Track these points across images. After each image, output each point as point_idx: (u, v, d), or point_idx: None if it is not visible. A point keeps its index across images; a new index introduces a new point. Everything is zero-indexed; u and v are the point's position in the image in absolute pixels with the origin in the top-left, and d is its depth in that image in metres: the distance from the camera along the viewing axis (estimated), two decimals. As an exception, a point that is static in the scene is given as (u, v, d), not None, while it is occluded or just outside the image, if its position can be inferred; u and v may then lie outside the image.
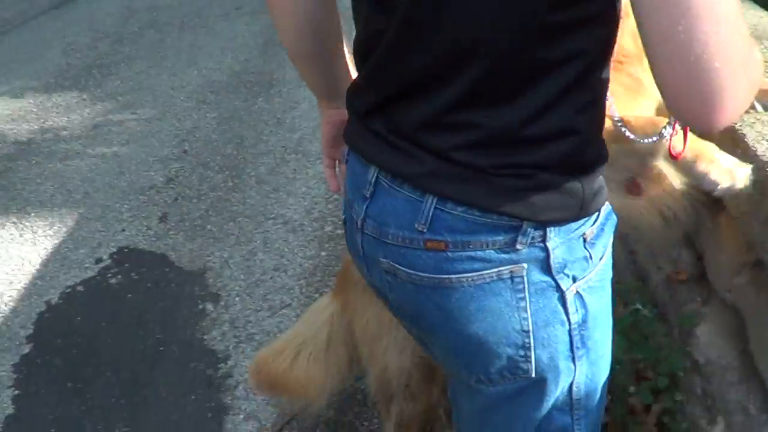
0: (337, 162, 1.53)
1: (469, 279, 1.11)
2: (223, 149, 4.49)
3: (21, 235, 3.83)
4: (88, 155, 4.57)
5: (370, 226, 1.19)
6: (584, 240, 1.13)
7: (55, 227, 3.87)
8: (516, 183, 1.05)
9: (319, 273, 3.33)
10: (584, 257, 1.14)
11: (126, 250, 3.65)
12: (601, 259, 1.17)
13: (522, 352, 1.16)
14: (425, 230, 1.10)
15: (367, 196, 1.18)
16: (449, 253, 1.10)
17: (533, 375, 1.19)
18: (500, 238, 1.08)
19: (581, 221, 1.11)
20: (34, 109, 5.33)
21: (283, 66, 5.42)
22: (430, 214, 1.09)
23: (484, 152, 1.05)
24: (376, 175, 1.17)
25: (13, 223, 3.95)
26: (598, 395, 1.30)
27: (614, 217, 1.20)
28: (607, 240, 1.19)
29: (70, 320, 3.24)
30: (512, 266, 1.10)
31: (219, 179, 4.18)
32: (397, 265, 1.16)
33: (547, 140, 1.04)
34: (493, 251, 1.09)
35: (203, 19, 6.91)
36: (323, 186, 3.95)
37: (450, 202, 1.08)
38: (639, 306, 2.30)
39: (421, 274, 1.13)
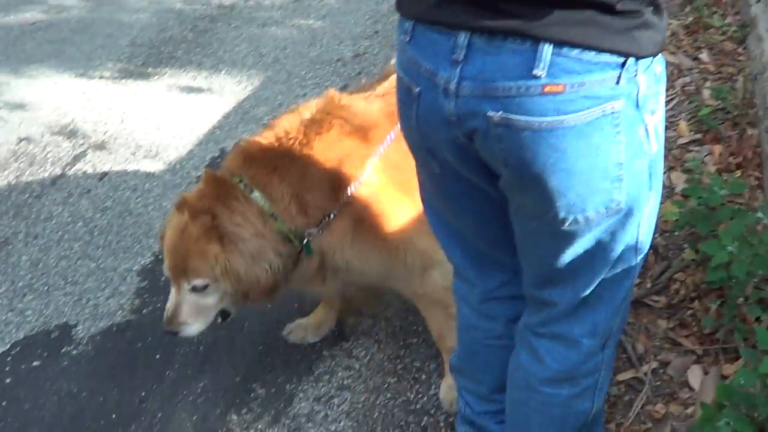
0: None
1: (581, 117, 1.19)
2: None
3: (209, 89, 3.97)
4: (285, 25, 4.65)
5: (467, 86, 1.23)
6: (655, 74, 1.26)
7: (242, 85, 3.98)
8: (628, 22, 1.17)
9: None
10: (656, 92, 1.27)
11: (303, 112, 3.70)
12: (661, 97, 1.30)
13: (617, 184, 1.27)
14: (544, 75, 1.16)
15: (459, 60, 1.23)
16: (565, 95, 1.17)
17: (623, 206, 1.30)
18: (608, 75, 1.18)
19: (655, 56, 1.25)
20: (241, -22, 5.46)
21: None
22: (548, 59, 1.16)
23: None
24: (467, 38, 1.22)
25: (205, 77, 4.09)
26: (651, 235, 1.45)
27: (663, 58, 1.31)
28: (665, 78, 1.31)
29: (238, 167, 3.34)
30: (614, 102, 1.20)
31: (405, 58, 4.12)
32: (511, 115, 1.21)
33: None
34: (601, 88, 1.18)
35: None
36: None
37: (566, 46, 1.15)
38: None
39: (539, 119, 1.19)
